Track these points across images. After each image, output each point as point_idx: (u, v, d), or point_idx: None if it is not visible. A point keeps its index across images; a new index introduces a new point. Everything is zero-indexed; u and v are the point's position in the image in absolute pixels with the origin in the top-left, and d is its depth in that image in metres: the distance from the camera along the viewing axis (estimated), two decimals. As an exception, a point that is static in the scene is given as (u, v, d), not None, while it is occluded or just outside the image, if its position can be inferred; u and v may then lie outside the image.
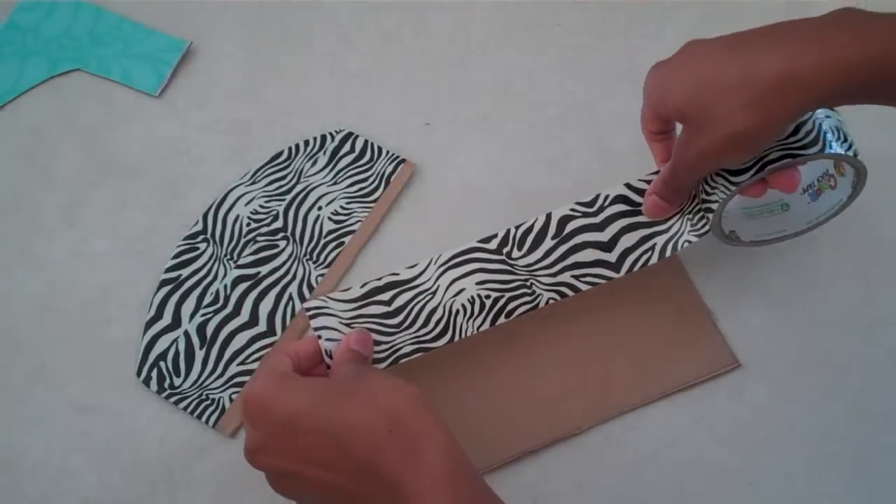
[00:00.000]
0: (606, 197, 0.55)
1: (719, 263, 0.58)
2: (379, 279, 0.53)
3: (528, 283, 0.54)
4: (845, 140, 0.51)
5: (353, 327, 0.52)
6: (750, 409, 0.54)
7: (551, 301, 0.54)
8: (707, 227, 0.54)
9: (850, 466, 0.52)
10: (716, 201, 0.52)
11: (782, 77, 0.45)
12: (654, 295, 0.58)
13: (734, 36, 0.48)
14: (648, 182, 0.55)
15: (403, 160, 0.61)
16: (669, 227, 0.55)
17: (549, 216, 0.55)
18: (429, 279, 0.53)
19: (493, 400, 0.53)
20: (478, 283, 0.53)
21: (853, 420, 0.54)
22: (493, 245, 0.54)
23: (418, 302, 0.53)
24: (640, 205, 0.55)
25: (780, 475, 0.52)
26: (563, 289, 0.55)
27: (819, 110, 0.52)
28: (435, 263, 0.54)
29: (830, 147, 0.50)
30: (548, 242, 0.55)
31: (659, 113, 0.52)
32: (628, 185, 0.55)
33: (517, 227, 0.55)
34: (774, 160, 0.50)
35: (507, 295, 0.54)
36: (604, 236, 0.55)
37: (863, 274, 0.58)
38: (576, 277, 0.55)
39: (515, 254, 0.54)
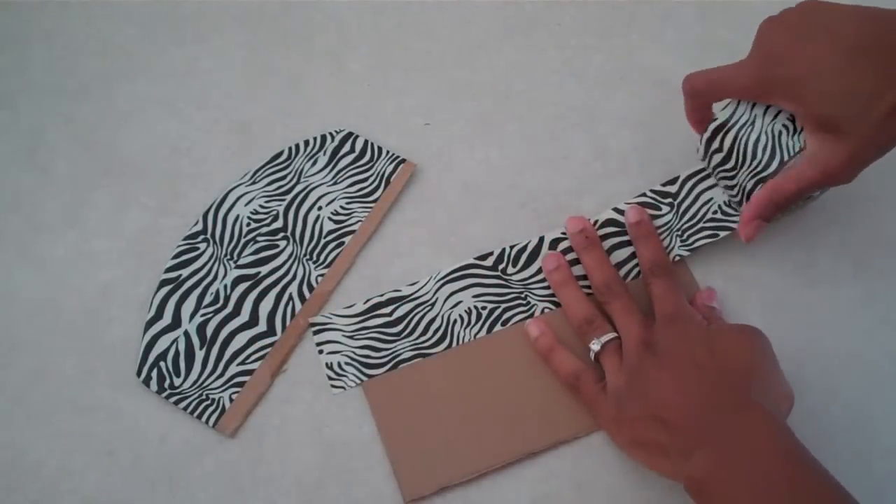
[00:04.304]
0: (597, 221, 0.57)
1: (719, 264, 0.58)
2: (381, 295, 0.56)
3: (523, 295, 0.56)
4: (795, 130, 0.52)
5: (355, 338, 0.55)
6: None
7: (546, 311, 0.56)
8: (697, 244, 0.56)
9: (851, 466, 0.52)
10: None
11: None
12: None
13: (872, 26, 0.47)
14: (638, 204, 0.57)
15: (403, 160, 0.61)
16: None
17: (541, 239, 0.58)
18: (428, 292, 0.56)
19: (495, 401, 0.53)
20: (474, 296, 0.56)
21: (853, 420, 0.54)
22: (488, 262, 0.57)
23: (418, 312, 0.56)
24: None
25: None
26: (558, 298, 0.56)
27: (766, 113, 0.52)
28: (434, 279, 0.57)
29: (787, 151, 0.51)
30: (541, 260, 0.57)
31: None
32: (616, 209, 0.58)
33: (511, 247, 0.58)
34: (752, 189, 0.53)
35: (503, 306, 0.56)
36: None
37: (863, 274, 0.58)
38: None
39: (510, 270, 0.57)
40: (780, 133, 0.51)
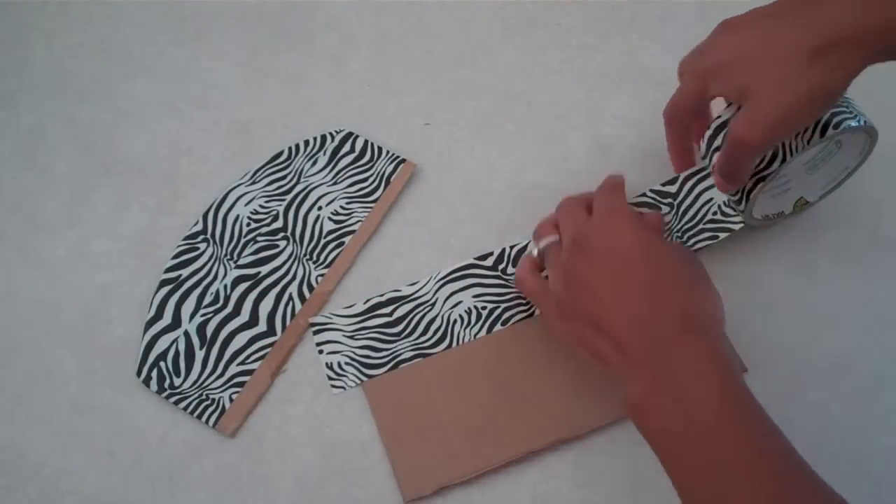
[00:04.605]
0: None
1: (719, 264, 0.58)
2: (381, 295, 0.56)
3: (523, 295, 0.56)
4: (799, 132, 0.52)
5: (355, 338, 0.55)
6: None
7: None
8: (697, 246, 0.56)
9: (850, 466, 0.52)
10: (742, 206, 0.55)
11: (849, 35, 0.45)
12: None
13: (783, 4, 0.49)
14: (636, 205, 0.58)
15: (403, 160, 0.61)
16: None
17: None
18: (428, 292, 0.56)
19: (495, 401, 0.53)
20: (474, 296, 0.56)
21: (853, 420, 0.54)
22: (488, 262, 0.57)
23: (418, 313, 0.56)
24: None
25: (780, 475, 0.52)
26: None
27: None
28: (434, 279, 0.57)
29: (790, 151, 0.52)
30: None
31: (719, 91, 0.50)
32: None
33: (512, 247, 0.58)
34: (752, 188, 0.53)
35: (503, 305, 0.56)
36: None
37: (863, 274, 0.58)
38: None
39: (510, 270, 0.57)
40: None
